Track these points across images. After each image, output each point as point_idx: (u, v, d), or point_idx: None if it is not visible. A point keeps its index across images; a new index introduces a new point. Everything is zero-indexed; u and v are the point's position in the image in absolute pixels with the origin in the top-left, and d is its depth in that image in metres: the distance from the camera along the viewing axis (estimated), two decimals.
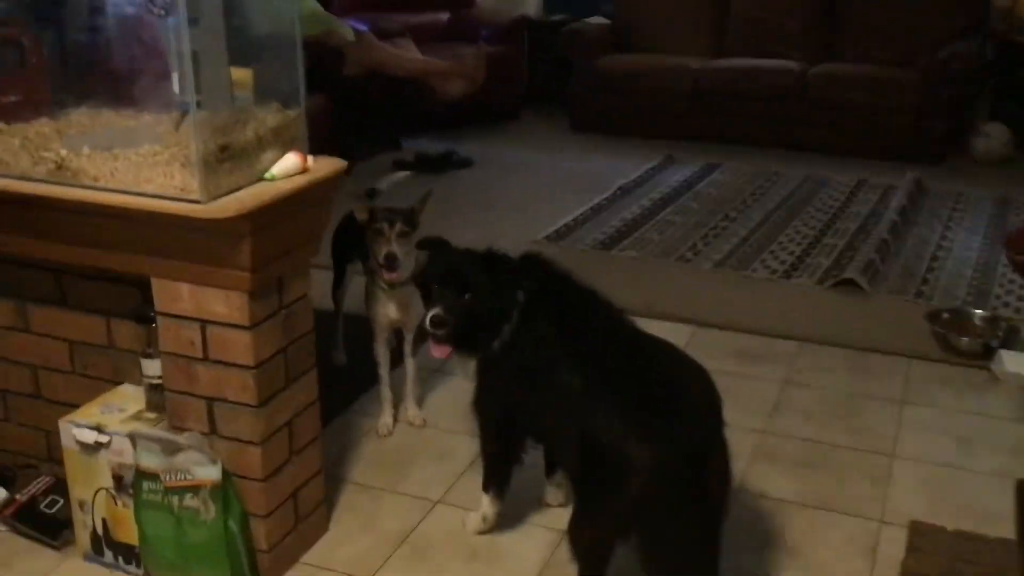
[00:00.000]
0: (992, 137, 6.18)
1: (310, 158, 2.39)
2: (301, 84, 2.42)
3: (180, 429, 2.40)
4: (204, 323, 2.30)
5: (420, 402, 3.26)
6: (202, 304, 2.28)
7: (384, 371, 3.15)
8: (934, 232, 4.98)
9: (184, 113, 2.17)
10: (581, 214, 5.20)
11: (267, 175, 2.28)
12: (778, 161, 6.21)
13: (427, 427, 3.19)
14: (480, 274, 2.34)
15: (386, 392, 3.17)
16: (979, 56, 6.11)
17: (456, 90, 6.05)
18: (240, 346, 2.28)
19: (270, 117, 2.35)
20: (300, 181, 2.29)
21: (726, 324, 3.92)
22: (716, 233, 4.95)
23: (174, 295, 2.29)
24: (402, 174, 3.67)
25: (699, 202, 5.44)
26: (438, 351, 2.38)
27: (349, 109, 5.80)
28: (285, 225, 2.28)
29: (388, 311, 3.03)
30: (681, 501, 2.05)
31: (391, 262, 2.86)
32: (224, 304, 2.26)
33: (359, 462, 2.99)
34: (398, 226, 2.87)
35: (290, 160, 2.32)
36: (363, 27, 6.15)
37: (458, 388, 3.21)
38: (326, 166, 2.40)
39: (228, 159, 2.19)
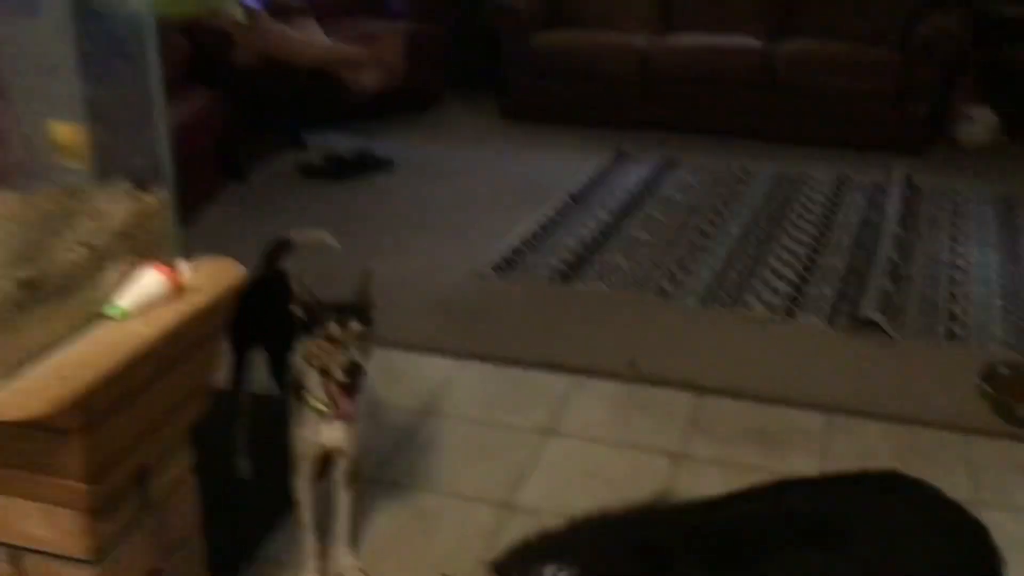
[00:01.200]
0: (977, 122, 5.52)
1: (184, 266, 1.50)
2: (165, 147, 1.52)
3: None
4: (16, 550, 1.41)
5: (356, 543, 2.40)
6: (10, 523, 1.39)
7: (307, 513, 2.27)
8: (941, 246, 4.28)
9: None
10: (531, 234, 4.33)
11: (111, 310, 1.39)
12: (744, 155, 5.42)
13: None
14: None
15: (309, 541, 2.29)
16: (962, 31, 5.41)
17: (371, 81, 5.08)
18: None
19: (117, 209, 1.45)
20: (168, 318, 1.41)
21: (734, 390, 3.13)
22: (693, 255, 4.15)
23: None
24: (326, 238, 2.73)
25: (665, 212, 4.63)
26: None
27: (241, 105, 4.82)
28: (147, 395, 1.39)
29: (323, 438, 2.15)
30: None
31: (355, 376, 2.00)
32: (46, 526, 1.37)
33: None
34: (353, 326, 2.00)
35: (149, 281, 1.43)
36: (255, 4, 5.16)
37: (404, 516, 2.39)
38: (212, 279, 1.52)
39: (39, 300, 1.29)
